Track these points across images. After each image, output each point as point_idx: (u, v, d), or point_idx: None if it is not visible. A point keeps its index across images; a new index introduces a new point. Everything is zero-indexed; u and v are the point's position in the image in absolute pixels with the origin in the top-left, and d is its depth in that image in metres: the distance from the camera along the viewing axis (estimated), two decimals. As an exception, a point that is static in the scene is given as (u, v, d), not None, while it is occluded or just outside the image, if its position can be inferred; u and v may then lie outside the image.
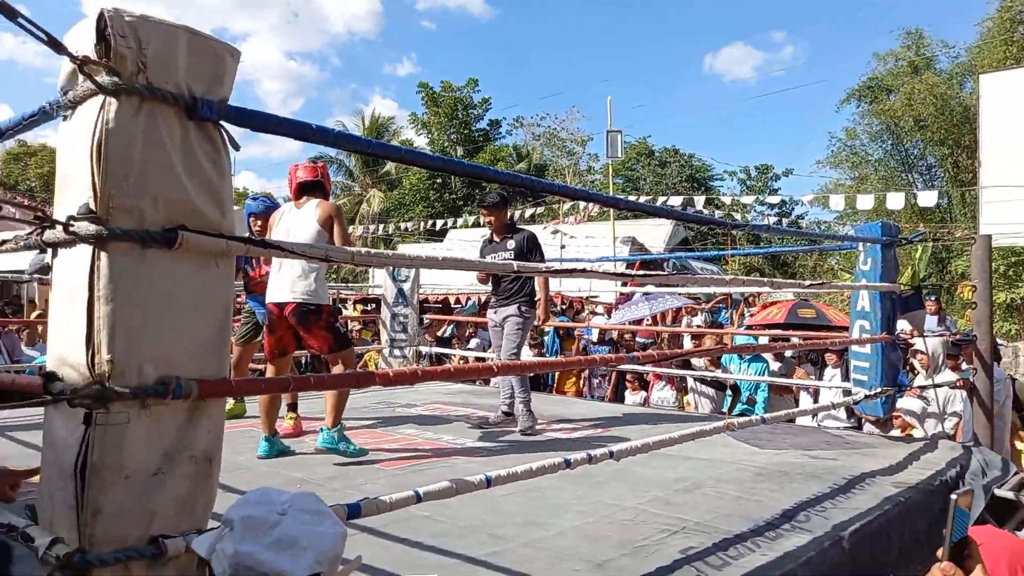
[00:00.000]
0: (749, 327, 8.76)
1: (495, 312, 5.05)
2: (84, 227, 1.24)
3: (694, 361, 7.10)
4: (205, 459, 1.42)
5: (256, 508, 1.12)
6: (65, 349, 1.32)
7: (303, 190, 3.94)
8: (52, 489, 1.35)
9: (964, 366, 6.54)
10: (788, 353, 7.02)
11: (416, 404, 5.71)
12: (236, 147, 1.41)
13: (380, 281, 7.77)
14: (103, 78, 1.27)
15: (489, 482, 1.98)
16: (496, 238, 5.12)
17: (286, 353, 4.00)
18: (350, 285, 12.65)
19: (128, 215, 1.27)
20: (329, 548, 1.05)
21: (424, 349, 7.50)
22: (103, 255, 1.26)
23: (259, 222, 4.71)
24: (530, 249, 5.00)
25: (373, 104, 77.20)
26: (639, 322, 9.14)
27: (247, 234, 4.66)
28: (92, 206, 1.26)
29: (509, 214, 5.19)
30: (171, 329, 1.33)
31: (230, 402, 4.93)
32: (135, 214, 1.28)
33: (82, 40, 1.31)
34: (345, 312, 11.71)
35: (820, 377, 6.87)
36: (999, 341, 9.13)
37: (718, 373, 6.83)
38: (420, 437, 4.48)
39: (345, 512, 1.66)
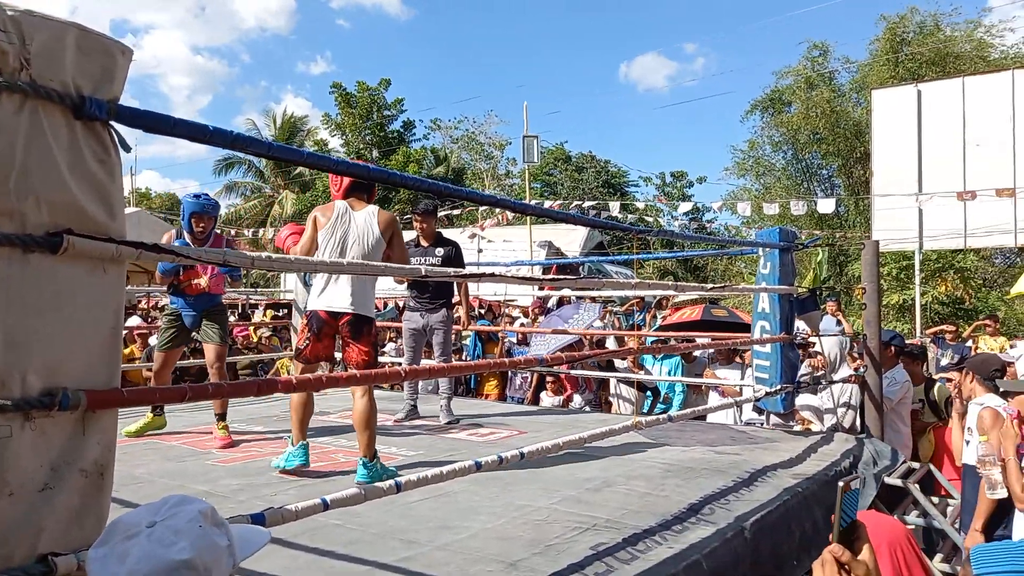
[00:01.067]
0: (664, 327, 8.99)
1: (421, 316, 5.24)
2: (-40, 231, 1.18)
3: (617, 363, 7.23)
4: (96, 472, 1.36)
5: (136, 514, 1.07)
6: (-59, 360, 1.25)
7: (353, 190, 3.75)
8: (-71, 508, 1.27)
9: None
10: (698, 353, 7.23)
11: (329, 412, 5.61)
12: (127, 148, 1.36)
13: (291, 286, 7.60)
14: (-19, 74, 1.21)
15: (399, 487, 1.98)
16: (424, 243, 5.32)
17: (319, 360, 3.89)
18: (259, 290, 12.30)
19: (9, 218, 1.22)
20: (142, 570, 0.98)
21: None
22: (-19, 260, 1.20)
23: (201, 223, 4.38)
24: (457, 258, 5.32)
25: (285, 103, 75.36)
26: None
27: (187, 233, 4.35)
28: (-32, 209, 1.20)
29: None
30: (58, 337, 1.28)
31: (148, 415, 4.64)
32: (16, 217, 1.22)
33: (-42, 34, 1.24)
34: (255, 318, 11.39)
35: (743, 376, 7.08)
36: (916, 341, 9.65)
37: (640, 375, 6.96)
38: (333, 445, 4.41)
39: (248, 522, 1.62)
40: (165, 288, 4.67)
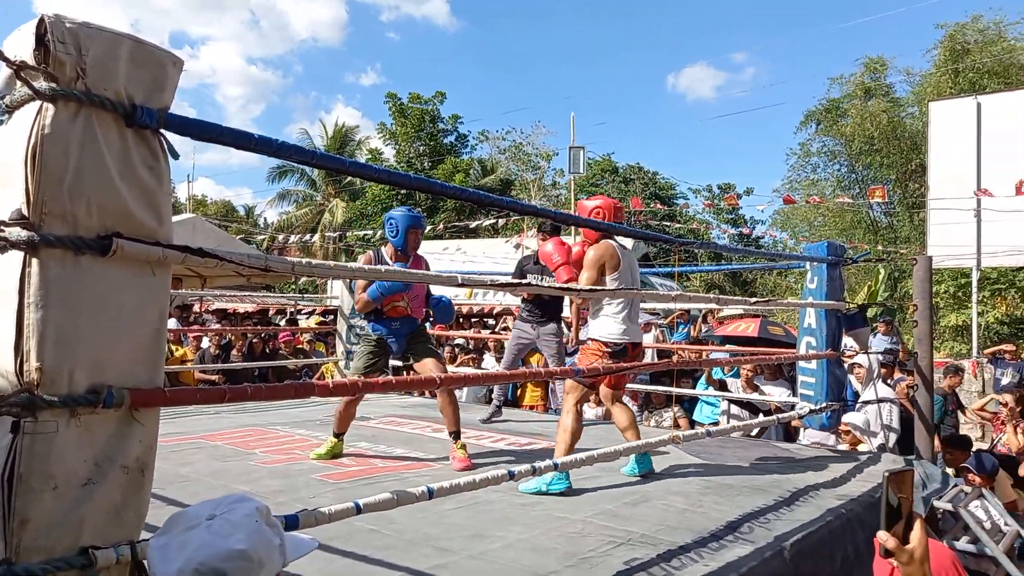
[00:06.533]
0: (725, 339, 8.80)
1: (532, 328, 5.52)
2: (15, 232, 1.23)
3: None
4: (137, 469, 1.40)
5: (197, 509, 1.14)
6: (-6, 356, 1.30)
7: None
8: (-22, 499, 1.32)
9: (896, 376, 6.69)
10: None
11: (370, 417, 5.67)
12: (175, 155, 1.41)
13: (337, 292, 7.71)
14: (41, 83, 1.26)
15: (431, 494, 1.99)
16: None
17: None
18: (307, 296, 12.52)
19: (62, 221, 1.27)
20: (199, 558, 1.04)
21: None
22: (34, 261, 1.25)
23: (417, 238, 4.32)
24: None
25: (336, 113, 76.67)
26: None
27: (397, 249, 4.22)
28: (25, 211, 1.25)
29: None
30: (104, 337, 1.32)
31: (331, 440, 4.30)
32: (69, 220, 1.27)
33: (22, 45, 1.30)
34: (302, 323, 11.57)
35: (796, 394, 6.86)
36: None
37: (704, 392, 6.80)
38: (372, 451, 4.45)
39: (283, 523, 1.65)
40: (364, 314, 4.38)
